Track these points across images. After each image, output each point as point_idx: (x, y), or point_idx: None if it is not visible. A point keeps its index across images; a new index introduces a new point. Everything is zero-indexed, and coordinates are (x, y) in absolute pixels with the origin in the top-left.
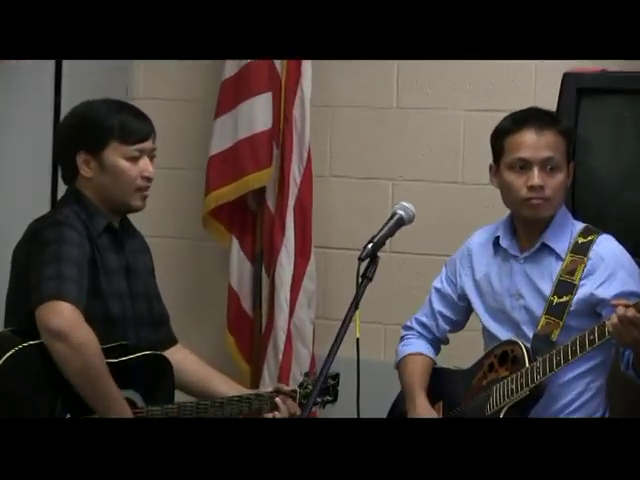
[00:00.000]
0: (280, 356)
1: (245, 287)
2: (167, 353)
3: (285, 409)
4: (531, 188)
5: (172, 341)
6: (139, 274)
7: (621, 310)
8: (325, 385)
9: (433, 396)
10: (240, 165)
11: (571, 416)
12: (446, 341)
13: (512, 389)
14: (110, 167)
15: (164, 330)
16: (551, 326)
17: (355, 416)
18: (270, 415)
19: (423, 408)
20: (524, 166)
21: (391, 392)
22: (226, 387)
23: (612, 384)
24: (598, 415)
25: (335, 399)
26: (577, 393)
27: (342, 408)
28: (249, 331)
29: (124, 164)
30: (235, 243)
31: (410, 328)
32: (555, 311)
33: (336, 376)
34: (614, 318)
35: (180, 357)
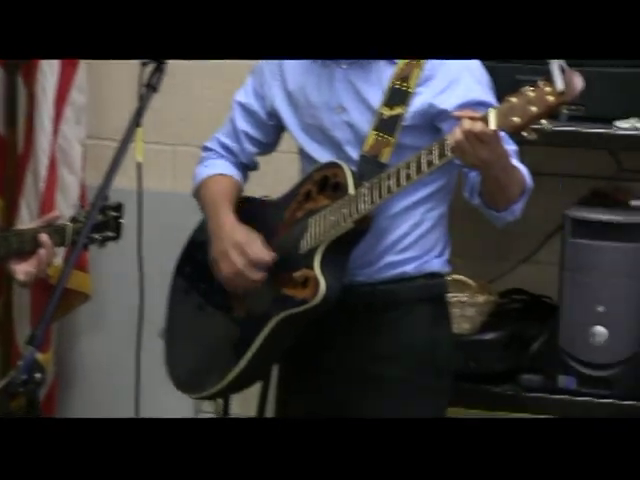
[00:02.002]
0: (41, 185)
1: None
2: None
3: (51, 247)
4: None
5: None
6: None
7: (466, 123)
8: (104, 218)
9: None
10: None
11: (405, 253)
12: (254, 166)
13: (333, 221)
14: None
15: None
16: (381, 145)
17: (134, 254)
18: (33, 256)
19: (231, 224)
20: None
21: (182, 228)
22: None
23: (455, 213)
24: (437, 250)
25: (117, 235)
26: (412, 225)
27: (123, 248)
28: (2, 156)
29: None
30: None
31: (210, 149)
32: (385, 126)
33: (118, 207)
34: (457, 133)
35: None
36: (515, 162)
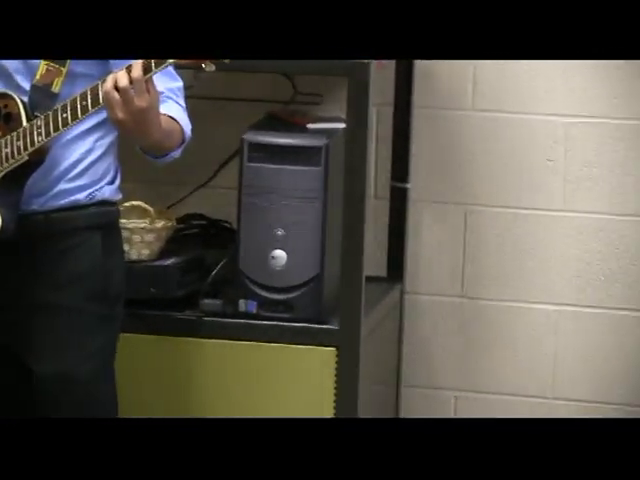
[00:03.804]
0: None
1: None
2: None
3: None
4: None
5: None
6: None
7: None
8: None
9: None
10: None
11: (77, 180)
12: None
13: (7, 154)
14: None
15: None
16: (52, 74)
17: None
18: None
19: None
20: None
21: None
22: None
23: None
24: (109, 177)
25: None
26: (83, 152)
27: None
28: None
29: None
30: None
31: None
32: None
33: None
34: (108, 84)
35: None
36: (175, 113)
